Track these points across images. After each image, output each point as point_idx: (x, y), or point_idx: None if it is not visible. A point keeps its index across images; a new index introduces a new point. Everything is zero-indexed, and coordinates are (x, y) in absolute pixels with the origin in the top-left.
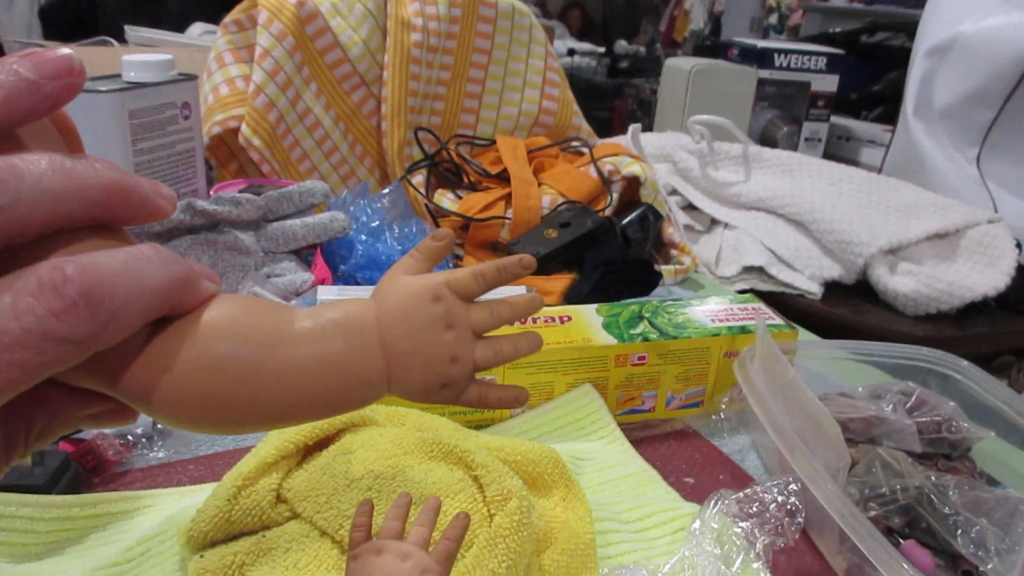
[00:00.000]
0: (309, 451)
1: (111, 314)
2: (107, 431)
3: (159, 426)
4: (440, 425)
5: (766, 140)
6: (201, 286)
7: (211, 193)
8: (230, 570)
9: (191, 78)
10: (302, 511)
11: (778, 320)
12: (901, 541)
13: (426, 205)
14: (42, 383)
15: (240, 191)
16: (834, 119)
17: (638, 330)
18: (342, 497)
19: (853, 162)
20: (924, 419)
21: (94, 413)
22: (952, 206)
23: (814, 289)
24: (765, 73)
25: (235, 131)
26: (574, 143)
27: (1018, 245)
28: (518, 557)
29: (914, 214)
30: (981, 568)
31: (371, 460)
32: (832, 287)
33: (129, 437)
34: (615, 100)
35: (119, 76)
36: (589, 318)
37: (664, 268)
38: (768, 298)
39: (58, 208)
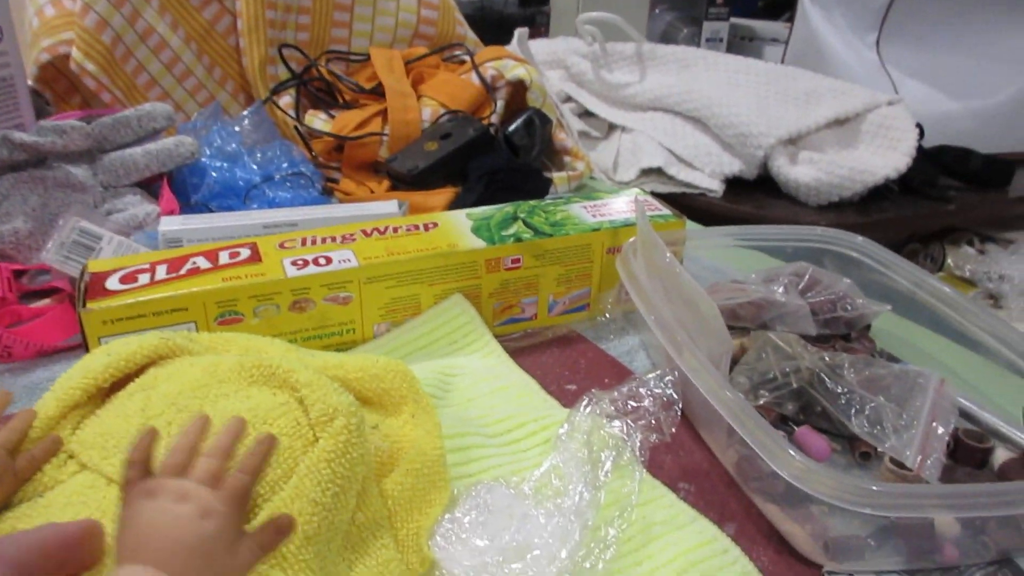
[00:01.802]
0: (111, 394)
1: None
2: None
3: None
4: (268, 348)
5: (666, 43)
6: None
7: None
8: None
9: None
10: (88, 460)
11: (664, 210)
12: (795, 428)
13: (296, 127)
14: None
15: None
16: (734, 19)
17: (511, 231)
18: (135, 437)
19: None
20: (818, 299)
21: None
22: (852, 90)
23: (715, 187)
24: None
25: (68, 58)
26: (456, 51)
27: (919, 128)
28: (346, 483)
29: (813, 101)
30: (879, 448)
31: (174, 393)
32: (734, 184)
33: None
34: (529, 28)
35: None
36: (457, 223)
37: (556, 175)
38: (669, 200)
39: None
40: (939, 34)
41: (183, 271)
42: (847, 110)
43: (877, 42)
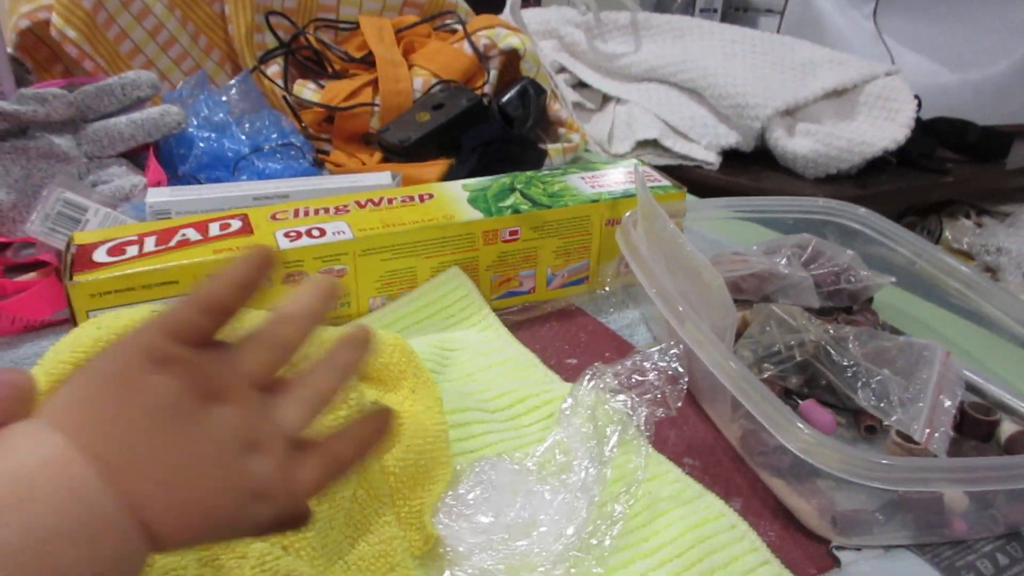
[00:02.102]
0: None
1: None
2: None
3: None
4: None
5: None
6: None
7: None
8: None
9: None
10: None
11: (664, 181)
12: (800, 402)
13: (284, 97)
14: None
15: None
16: None
17: (508, 202)
18: None
19: None
20: (821, 271)
21: None
22: (849, 61)
23: (711, 159)
24: None
25: (49, 24)
26: (447, 20)
27: (916, 99)
28: None
29: (811, 72)
30: (885, 421)
31: None
32: (730, 156)
33: None
34: None
35: None
36: (453, 194)
37: (551, 147)
38: (665, 172)
39: None
40: (937, 4)
41: (172, 243)
42: (845, 81)
43: (874, 12)
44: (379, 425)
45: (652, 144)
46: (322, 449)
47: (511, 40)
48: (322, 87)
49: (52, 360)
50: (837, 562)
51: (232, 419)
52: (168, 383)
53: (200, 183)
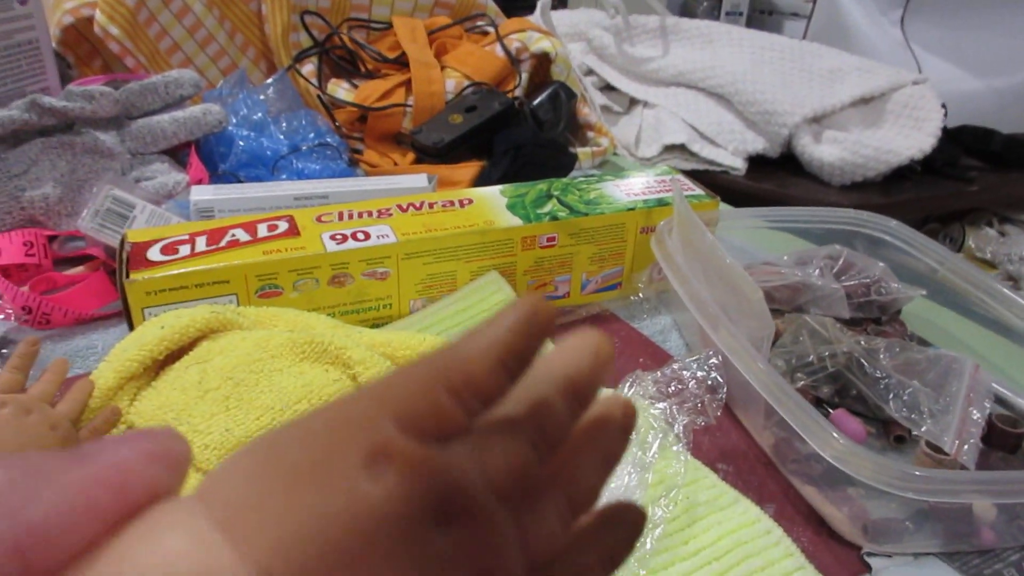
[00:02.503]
0: (164, 366)
1: None
2: None
3: (4, 351)
4: (316, 323)
5: (686, 16)
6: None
7: None
8: None
9: None
10: None
11: (698, 190)
12: (830, 411)
13: (319, 96)
14: None
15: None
16: None
17: (546, 209)
18: (193, 410)
19: None
20: (852, 282)
21: None
22: (877, 69)
23: (738, 165)
24: None
25: (92, 21)
26: (479, 22)
27: (943, 107)
28: None
29: (838, 79)
30: (914, 432)
31: (230, 367)
32: (756, 162)
33: None
34: None
35: None
36: (492, 200)
37: (580, 151)
38: (691, 177)
39: None
40: (964, 11)
41: (223, 243)
42: (872, 89)
43: (902, 19)
44: (633, 530)
45: (679, 149)
46: (564, 566)
47: (543, 44)
48: (355, 87)
49: (119, 357)
50: (868, 568)
51: (467, 548)
52: (389, 492)
53: (240, 181)
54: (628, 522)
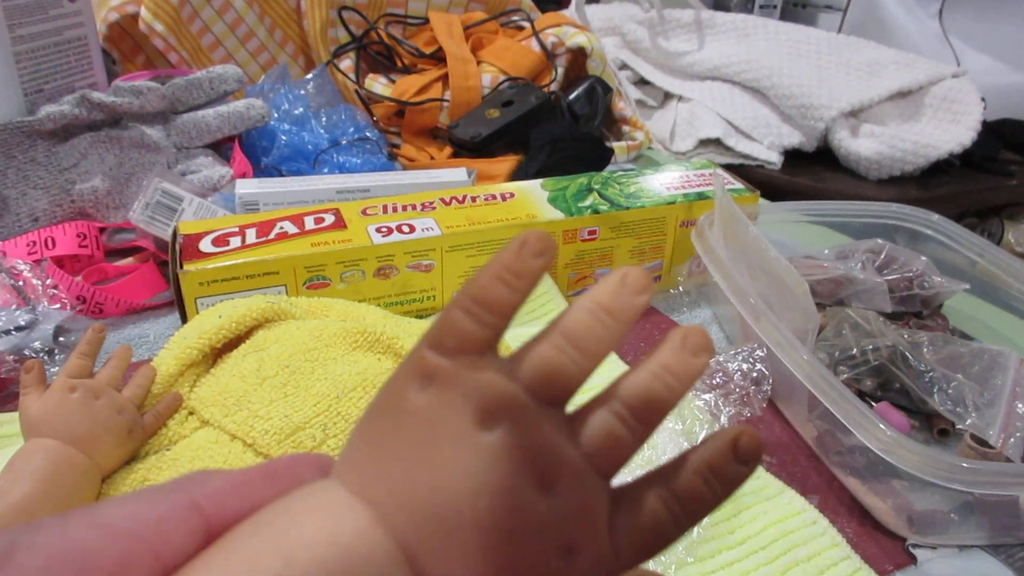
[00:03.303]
0: (220, 354)
1: None
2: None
3: (60, 338)
4: (367, 314)
5: (720, 10)
6: None
7: None
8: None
9: None
10: (210, 417)
11: (737, 184)
12: (873, 404)
13: (356, 91)
14: None
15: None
16: None
17: (587, 203)
18: (253, 397)
19: None
20: (894, 276)
21: None
22: (915, 62)
23: (774, 159)
24: None
25: (136, 18)
26: (514, 17)
27: (982, 100)
28: None
29: (876, 73)
30: (958, 425)
31: (286, 355)
32: (792, 156)
33: (26, 352)
34: None
35: None
36: (534, 194)
37: (616, 144)
38: (727, 171)
39: None
40: (1004, 3)
41: (272, 235)
42: (910, 82)
43: (940, 11)
44: (752, 452)
45: (715, 143)
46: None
47: (579, 39)
48: (392, 81)
49: (179, 344)
50: (914, 559)
51: (565, 512)
52: (434, 399)
53: (282, 175)
54: (750, 439)
